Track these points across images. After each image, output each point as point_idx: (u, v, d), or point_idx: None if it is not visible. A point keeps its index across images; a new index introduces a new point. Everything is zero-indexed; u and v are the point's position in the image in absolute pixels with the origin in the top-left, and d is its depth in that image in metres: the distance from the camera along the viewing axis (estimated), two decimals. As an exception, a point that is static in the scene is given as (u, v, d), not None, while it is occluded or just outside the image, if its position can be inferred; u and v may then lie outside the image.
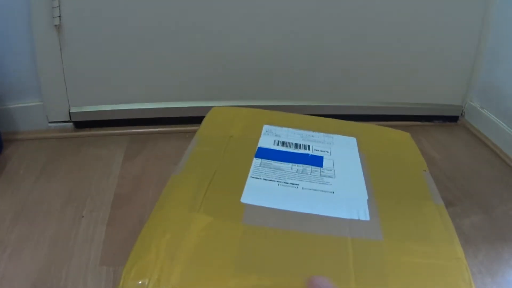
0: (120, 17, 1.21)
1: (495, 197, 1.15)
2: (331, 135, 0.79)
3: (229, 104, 1.22)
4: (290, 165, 0.68)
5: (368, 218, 0.58)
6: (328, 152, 0.73)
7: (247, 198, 0.59)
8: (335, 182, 0.65)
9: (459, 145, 1.44)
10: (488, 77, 1.46)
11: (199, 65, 1.33)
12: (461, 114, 1.56)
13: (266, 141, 0.74)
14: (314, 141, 0.77)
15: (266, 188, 0.62)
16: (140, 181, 1.12)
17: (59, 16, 1.15)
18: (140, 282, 0.46)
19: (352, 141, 0.78)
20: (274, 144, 0.74)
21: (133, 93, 1.34)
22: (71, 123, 1.32)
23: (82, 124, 1.34)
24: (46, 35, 1.17)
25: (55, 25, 1.16)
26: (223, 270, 0.48)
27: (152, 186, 1.10)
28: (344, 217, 0.57)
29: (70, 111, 1.30)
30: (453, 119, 1.57)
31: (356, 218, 0.58)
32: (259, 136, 0.76)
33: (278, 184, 0.63)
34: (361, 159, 0.72)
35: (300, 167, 0.68)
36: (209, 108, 0.86)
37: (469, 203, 1.12)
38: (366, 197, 0.62)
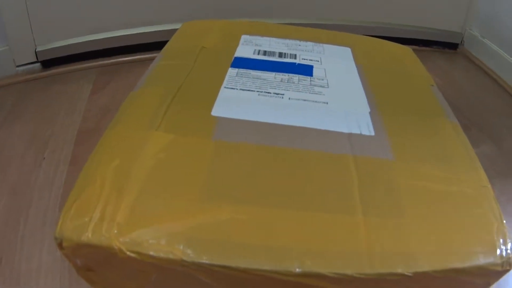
0: None
1: (503, 127, 1.06)
2: (322, 44, 0.67)
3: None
4: (273, 74, 0.56)
5: (372, 133, 0.47)
6: (318, 61, 0.61)
7: (219, 110, 0.47)
8: (329, 92, 0.53)
9: (460, 72, 1.34)
10: (488, 5, 1.37)
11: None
12: (461, 43, 1.48)
13: (245, 51, 0.62)
14: (301, 50, 0.64)
15: (243, 99, 0.50)
16: (107, 112, 1.01)
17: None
18: (79, 222, 0.34)
19: (346, 51, 0.66)
20: (254, 53, 0.61)
21: (102, 21, 1.22)
22: (39, 64, 1.22)
23: (50, 62, 1.23)
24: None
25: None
26: (187, 200, 0.36)
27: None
28: (343, 130, 0.46)
29: (36, 50, 1.20)
30: (453, 46, 1.49)
31: (358, 132, 0.46)
32: (236, 46, 0.63)
33: (259, 94, 0.51)
34: (358, 70, 0.60)
35: (285, 76, 0.56)
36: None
37: (477, 131, 1.03)
38: (368, 109, 0.51)
